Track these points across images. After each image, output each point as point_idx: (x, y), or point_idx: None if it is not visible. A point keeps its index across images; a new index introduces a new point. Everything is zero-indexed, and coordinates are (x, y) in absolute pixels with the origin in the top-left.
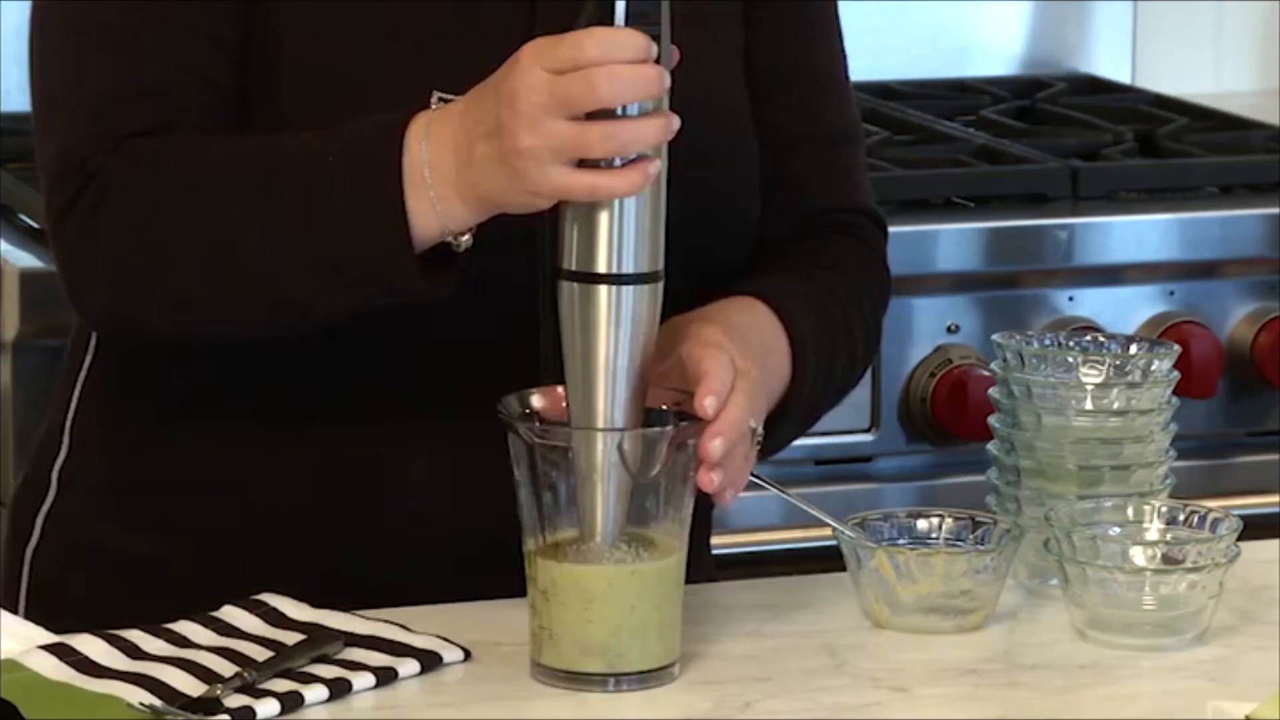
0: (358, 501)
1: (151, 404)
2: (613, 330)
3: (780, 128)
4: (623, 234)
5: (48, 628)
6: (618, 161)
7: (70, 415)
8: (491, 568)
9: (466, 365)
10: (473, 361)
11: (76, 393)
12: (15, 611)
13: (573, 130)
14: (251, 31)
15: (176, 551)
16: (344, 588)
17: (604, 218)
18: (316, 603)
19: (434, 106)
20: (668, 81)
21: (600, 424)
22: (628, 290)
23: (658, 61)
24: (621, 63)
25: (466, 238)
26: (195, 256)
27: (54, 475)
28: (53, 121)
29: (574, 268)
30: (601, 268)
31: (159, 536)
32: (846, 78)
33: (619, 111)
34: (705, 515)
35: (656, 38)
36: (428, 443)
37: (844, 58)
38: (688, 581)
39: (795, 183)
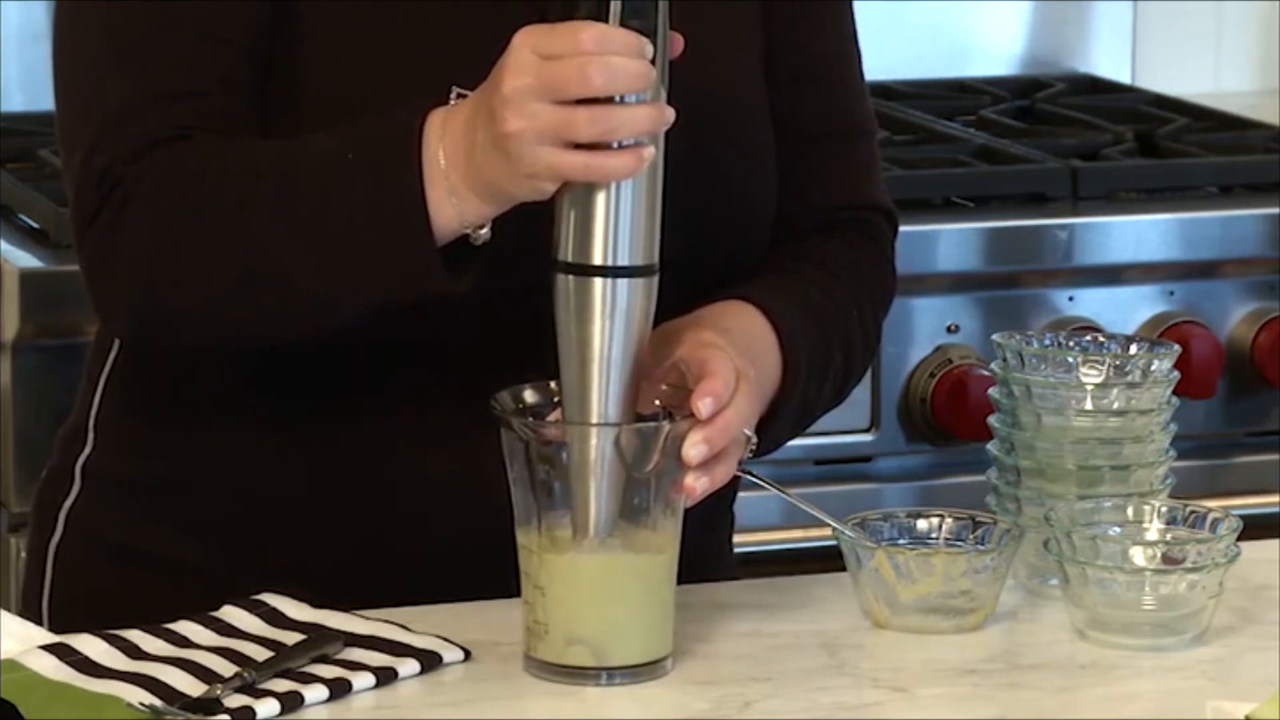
0: (371, 501)
1: (170, 401)
2: (607, 323)
3: (801, 121)
4: (618, 226)
5: (69, 623)
6: (615, 149)
7: (94, 411)
8: (498, 567)
9: (474, 365)
10: (481, 361)
11: (100, 388)
12: (39, 606)
13: (559, 113)
14: (273, 37)
15: (196, 550)
16: (357, 586)
17: (600, 209)
18: (329, 601)
19: (453, 102)
20: (661, 78)
21: (594, 417)
22: (623, 283)
23: (653, 61)
24: (616, 55)
25: (485, 230)
26: (217, 261)
27: (78, 470)
28: (75, 132)
29: (569, 259)
30: (597, 260)
31: (177, 534)
32: (863, 74)
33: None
34: (728, 512)
35: (653, 34)
36: (439, 442)
37: (860, 54)
38: (706, 576)
39: (813, 178)
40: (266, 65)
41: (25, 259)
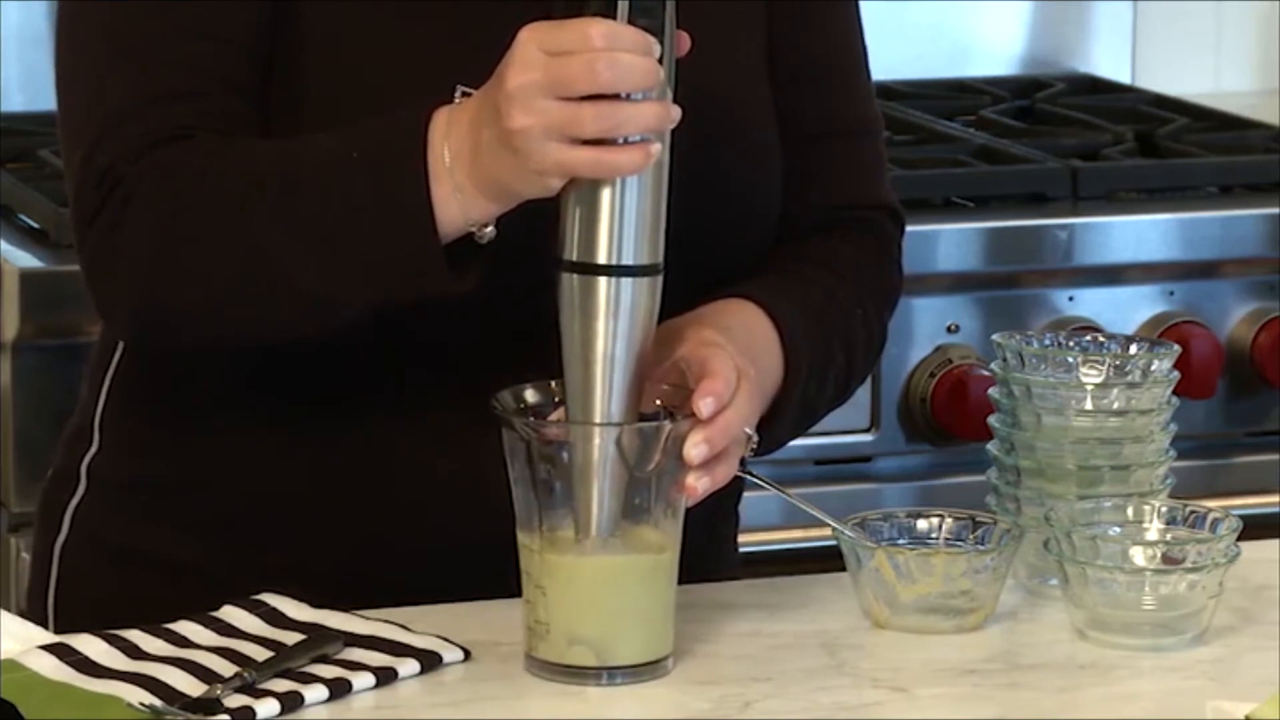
0: (371, 501)
1: (171, 402)
2: (611, 322)
3: (804, 120)
4: (623, 225)
5: (74, 622)
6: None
7: (99, 411)
8: (498, 567)
9: (476, 365)
10: (483, 361)
11: (105, 388)
12: (44, 606)
13: (565, 108)
14: (273, 37)
15: (196, 550)
16: (357, 586)
17: (604, 208)
18: (329, 601)
19: (457, 100)
20: (667, 77)
21: (598, 416)
22: (627, 282)
23: (660, 60)
24: (624, 52)
25: (489, 229)
26: (218, 260)
27: (83, 470)
28: (75, 132)
29: (574, 258)
30: (601, 259)
31: (177, 534)
32: (868, 73)
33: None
34: (732, 512)
35: (660, 32)
36: (439, 442)
37: (865, 53)
38: (709, 576)
39: (818, 177)
40: (267, 65)
41: (25, 259)
